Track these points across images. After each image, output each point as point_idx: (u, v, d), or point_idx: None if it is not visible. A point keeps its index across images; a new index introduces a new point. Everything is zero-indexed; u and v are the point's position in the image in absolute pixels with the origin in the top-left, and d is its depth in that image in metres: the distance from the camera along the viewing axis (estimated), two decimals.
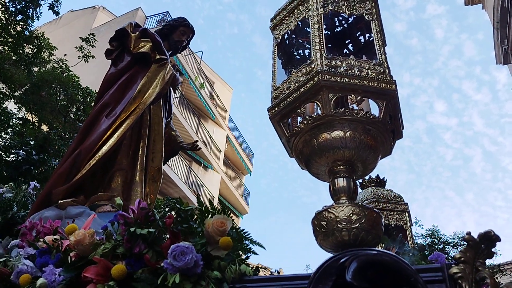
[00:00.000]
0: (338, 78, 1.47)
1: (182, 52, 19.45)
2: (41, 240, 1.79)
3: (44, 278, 1.39)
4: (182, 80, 19.78)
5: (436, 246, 13.93)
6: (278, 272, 33.30)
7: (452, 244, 14.34)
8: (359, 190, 4.06)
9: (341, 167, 1.50)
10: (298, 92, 1.52)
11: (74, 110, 10.54)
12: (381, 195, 3.79)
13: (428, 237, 14.41)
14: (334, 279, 0.96)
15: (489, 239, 0.95)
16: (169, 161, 16.69)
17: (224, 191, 21.87)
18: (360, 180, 4.15)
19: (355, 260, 0.94)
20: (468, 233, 0.96)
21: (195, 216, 1.36)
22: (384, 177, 4.06)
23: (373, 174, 4.08)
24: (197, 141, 3.70)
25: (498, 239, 0.95)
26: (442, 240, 14.32)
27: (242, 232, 1.34)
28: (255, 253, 1.43)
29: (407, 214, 3.67)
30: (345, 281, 0.92)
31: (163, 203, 9.54)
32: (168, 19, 18.48)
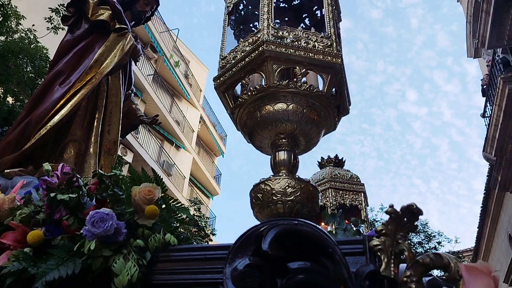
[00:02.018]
0: (283, 49, 1.43)
1: (157, 29, 19.02)
2: None
3: None
4: (157, 58, 19.41)
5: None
6: None
7: (415, 231, 14.74)
8: (318, 169, 4.09)
9: (284, 140, 1.47)
10: (243, 62, 1.48)
11: (42, 82, 10.20)
12: (338, 174, 3.81)
13: None
14: (254, 248, 0.93)
15: (411, 213, 0.94)
16: (141, 139, 16.48)
17: (196, 171, 21.77)
18: (319, 159, 4.17)
19: (273, 229, 0.92)
20: (391, 206, 0.95)
21: (121, 183, 1.31)
22: (342, 158, 4.09)
23: (332, 154, 4.10)
24: (157, 115, 3.61)
25: (420, 212, 0.94)
26: None
27: (172, 202, 1.30)
28: (197, 226, 1.39)
29: (362, 195, 3.72)
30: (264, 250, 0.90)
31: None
32: None
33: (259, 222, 1.01)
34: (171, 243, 1.15)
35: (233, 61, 1.51)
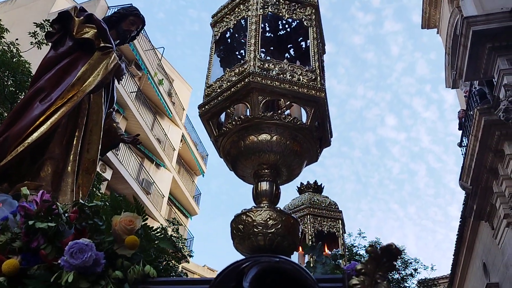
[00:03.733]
0: (269, 81, 1.45)
1: (142, 46, 19.00)
2: None
3: None
4: (141, 75, 19.36)
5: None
6: None
7: None
8: (297, 194, 4.10)
9: (266, 170, 1.48)
10: (229, 92, 1.49)
11: (22, 97, 10.03)
12: (317, 201, 3.83)
13: None
14: (234, 285, 0.93)
15: (390, 253, 0.95)
16: (120, 156, 16.24)
17: (175, 190, 21.55)
18: (298, 185, 4.19)
19: (255, 266, 0.91)
20: (371, 245, 0.95)
21: (102, 213, 1.29)
22: (321, 184, 4.11)
23: (311, 180, 4.13)
24: (138, 134, 3.58)
25: (399, 253, 0.95)
26: None
27: (154, 232, 1.28)
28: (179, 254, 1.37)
29: (340, 222, 3.74)
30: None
31: (108, 200, 9.22)
32: None
33: (239, 254, 1.01)
34: (151, 275, 1.13)
35: (218, 90, 1.53)
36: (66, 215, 1.29)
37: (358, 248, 14.77)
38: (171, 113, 21.19)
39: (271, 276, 0.92)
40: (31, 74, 9.76)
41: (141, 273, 1.12)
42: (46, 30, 9.73)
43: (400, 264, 14.73)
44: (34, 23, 9.89)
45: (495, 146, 9.13)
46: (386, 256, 0.95)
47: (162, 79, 20.22)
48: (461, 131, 12.08)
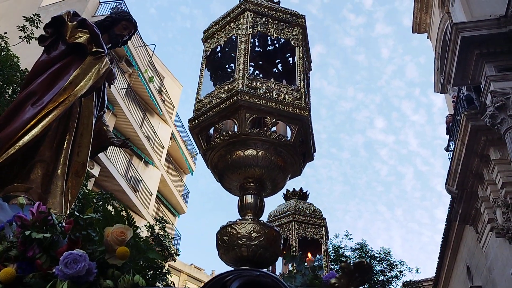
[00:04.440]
0: (256, 100, 1.52)
1: (134, 43, 18.90)
2: None
3: None
4: (132, 72, 19.29)
5: (364, 260, 14.47)
6: (211, 274, 33.17)
7: (378, 259, 14.98)
8: (283, 201, 4.19)
9: (251, 184, 1.55)
10: (218, 108, 1.56)
11: (10, 92, 9.96)
12: (302, 208, 3.93)
13: (357, 251, 14.98)
14: None
15: (362, 268, 1.02)
16: (109, 153, 16.16)
17: (164, 188, 21.52)
18: (284, 191, 4.28)
19: (237, 279, 0.98)
20: (344, 261, 1.03)
21: (95, 224, 1.35)
22: (307, 191, 4.21)
23: (301, 182, 4.22)
24: (128, 138, 3.63)
25: (370, 269, 1.03)
26: (369, 255, 14.92)
27: (143, 242, 1.35)
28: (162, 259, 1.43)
29: (324, 229, 3.83)
30: None
31: (95, 197, 9.21)
32: (123, 8, 17.94)
33: (224, 265, 1.07)
34: (140, 284, 1.19)
35: (208, 106, 1.59)
36: (61, 225, 1.35)
37: (344, 249, 14.94)
38: (161, 110, 21.14)
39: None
40: (20, 69, 9.69)
41: (131, 283, 1.19)
42: (35, 24, 9.66)
43: (386, 266, 14.93)
44: (24, 17, 9.81)
45: (481, 151, 9.30)
46: (359, 272, 1.03)
47: (153, 76, 20.17)
48: (448, 136, 12.26)
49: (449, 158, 11.53)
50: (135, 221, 1.38)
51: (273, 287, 1.00)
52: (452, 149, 11.13)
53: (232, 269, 1.11)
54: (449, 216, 12.24)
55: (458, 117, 10.31)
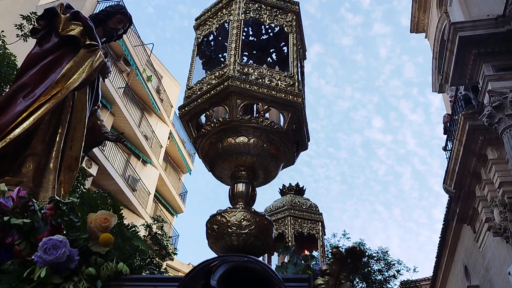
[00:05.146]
0: (248, 86, 1.48)
1: (132, 42, 18.86)
2: None
3: None
4: (130, 71, 19.24)
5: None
6: None
7: (376, 258, 14.96)
8: (279, 196, 4.16)
9: (243, 172, 1.51)
10: (208, 94, 1.53)
11: (7, 90, 9.90)
12: (298, 203, 3.90)
13: None
14: (203, 283, 0.96)
15: (354, 254, 0.99)
16: (107, 152, 16.11)
17: (161, 188, 21.47)
18: (280, 186, 4.25)
19: (223, 265, 0.94)
20: (336, 247, 0.99)
21: (77, 210, 1.31)
22: (303, 186, 4.17)
23: (298, 181, 4.19)
24: (122, 133, 3.59)
25: (363, 254, 0.99)
26: (367, 254, 14.90)
27: (128, 230, 1.31)
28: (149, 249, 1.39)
29: (320, 224, 3.80)
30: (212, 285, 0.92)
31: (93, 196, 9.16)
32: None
33: (213, 253, 1.04)
34: (123, 272, 1.15)
35: (198, 92, 1.56)
36: (42, 211, 1.31)
37: (342, 249, 14.88)
38: (159, 110, 21.10)
39: (240, 275, 0.95)
40: (17, 67, 9.63)
41: (114, 270, 1.15)
42: (32, 22, 9.61)
43: (384, 266, 14.91)
44: (21, 15, 9.75)
45: (479, 150, 9.28)
46: (351, 258, 1.00)
47: (151, 75, 20.12)
48: (446, 136, 12.25)
49: (446, 158, 11.52)
50: (121, 208, 1.34)
51: (262, 273, 0.97)
52: (449, 148, 11.12)
53: (218, 255, 1.08)
54: (447, 215, 12.23)
55: (456, 117, 10.30)
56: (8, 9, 18.02)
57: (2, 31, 10.25)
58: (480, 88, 8.90)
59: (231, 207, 1.46)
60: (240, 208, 1.41)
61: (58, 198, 1.31)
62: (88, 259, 1.19)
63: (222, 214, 1.39)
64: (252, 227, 1.34)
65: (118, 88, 17.24)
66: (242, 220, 1.35)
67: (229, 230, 1.34)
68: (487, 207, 9.40)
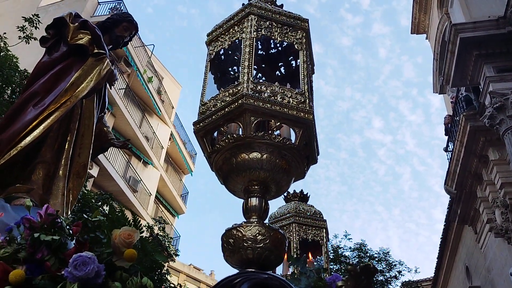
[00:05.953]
0: (261, 103, 1.53)
1: (133, 43, 18.88)
2: None
3: None
4: (130, 72, 19.28)
5: (363, 260, 14.52)
6: (210, 274, 33.15)
7: (377, 259, 15.00)
8: (283, 202, 4.21)
9: (256, 187, 1.56)
10: (223, 111, 1.57)
11: (9, 92, 9.94)
12: (302, 210, 3.96)
13: (356, 251, 15.00)
14: None
15: (368, 271, 1.03)
16: (107, 153, 16.14)
17: (163, 189, 21.50)
18: (285, 193, 4.29)
19: (246, 282, 0.99)
20: (351, 264, 1.04)
21: (103, 227, 1.36)
22: (307, 193, 4.23)
23: (297, 189, 4.24)
24: (129, 139, 3.64)
25: (376, 271, 1.04)
26: (368, 255, 14.95)
27: (150, 244, 1.35)
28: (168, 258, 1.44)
29: (324, 230, 3.86)
30: None
31: (94, 197, 9.20)
32: (122, 8, 17.92)
33: (231, 269, 1.08)
34: (148, 286, 1.20)
35: (213, 109, 1.61)
36: (69, 227, 1.36)
37: (343, 249, 14.96)
38: (160, 111, 21.13)
39: None
40: (19, 69, 9.66)
41: (139, 284, 1.20)
42: (34, 24, 9.63)
43: (385, 266, 14.95)
44: (23, 17, 9.78)
45: (480, 151, 9.32)
46: (365, 275, 1.04)
47: (152, 76, 20.15)
48: (446, 137, 12.28)
49: (447, 159, 11.55)
50: (141, 224, 1.39)
51: None
52: (451, 149, 11.15)
53: (239, 271, 1.12)
54: (448, 216, 12.26)
55: (457, 118, 10.33)
56: (9, 11, 18.06)
57: (4, 33, 10.28)
58: (481, 89, 8.93)
59: (245, 221, 1.51)
60: (255, 222, 1.46)
61: (85, 216, 1.36)
62: (113, 274, 1.23)
63: (238, 228, 1.44)
64: (267, 241, 1.39)
65: (119, 89, 17.28)
66: (257, 235, 1.40)
67: (244, 244, 1.39)
68: (489, 208, 9.44)
